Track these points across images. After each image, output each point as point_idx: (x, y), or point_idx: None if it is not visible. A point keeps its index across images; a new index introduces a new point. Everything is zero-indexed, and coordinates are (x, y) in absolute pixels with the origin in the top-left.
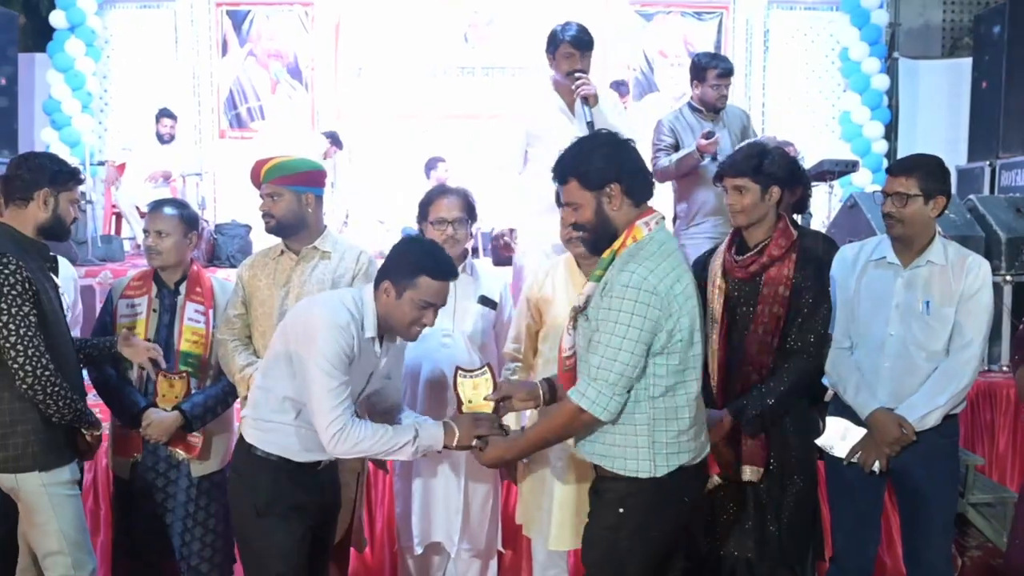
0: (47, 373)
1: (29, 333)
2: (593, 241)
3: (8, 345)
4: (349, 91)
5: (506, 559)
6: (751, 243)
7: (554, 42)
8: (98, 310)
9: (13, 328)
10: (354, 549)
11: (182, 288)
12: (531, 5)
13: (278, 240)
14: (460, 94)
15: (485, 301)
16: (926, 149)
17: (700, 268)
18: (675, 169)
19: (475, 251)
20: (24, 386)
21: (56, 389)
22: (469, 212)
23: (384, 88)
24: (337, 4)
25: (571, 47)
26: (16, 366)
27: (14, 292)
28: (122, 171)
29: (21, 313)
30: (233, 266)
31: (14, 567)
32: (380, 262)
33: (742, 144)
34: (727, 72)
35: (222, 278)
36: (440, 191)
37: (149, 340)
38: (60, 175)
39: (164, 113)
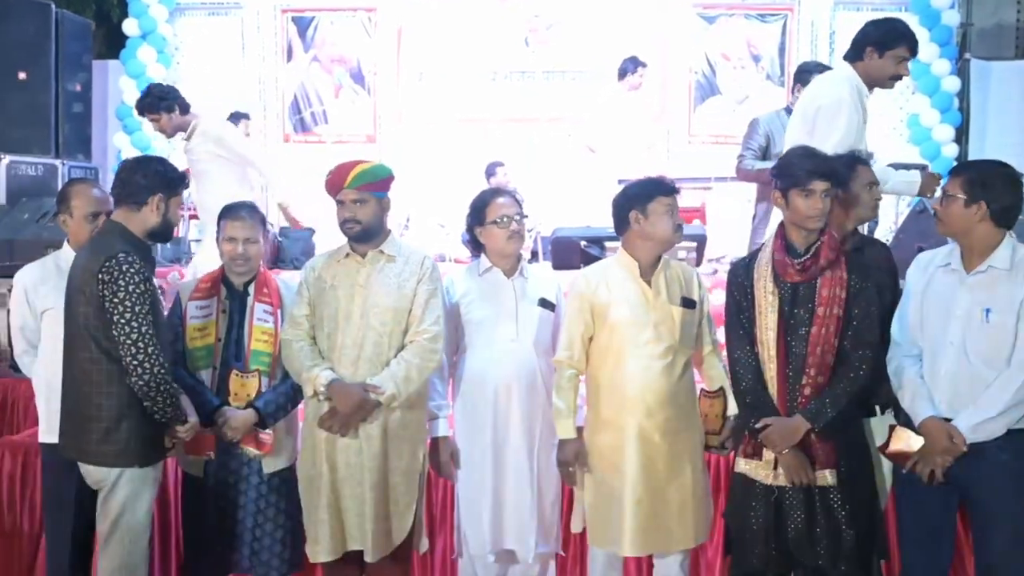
0: (163, 372)
1: (149, 332)
2: None
3: (129, 343)
4: (410, 95)
5: (565, 562)
6: (803, 247)
7: (895, 37)
8: (165, 310)
9: (135, 326)
10: (415, 551)
11: (251, 289)
12: (591, 9)
13: (343, 241)
14: (520, 98)
15: (544, 304)
16: (998, 152)
17: (742, 271)
18: (755, 176)
19: (535, 255)
20: (140, 383)
21: (168, 387)
22: (522, 209)
23: (445, 92)
24: (399, 10)
25: (911, 52)
26: (135, 363)
27: (138, 291)
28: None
29: (143, 312)
30: (297, 269)
31: (91, 557)
32: (441, 266)
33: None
34: None
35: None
36: (492, 192)
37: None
38: (173, 181)
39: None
